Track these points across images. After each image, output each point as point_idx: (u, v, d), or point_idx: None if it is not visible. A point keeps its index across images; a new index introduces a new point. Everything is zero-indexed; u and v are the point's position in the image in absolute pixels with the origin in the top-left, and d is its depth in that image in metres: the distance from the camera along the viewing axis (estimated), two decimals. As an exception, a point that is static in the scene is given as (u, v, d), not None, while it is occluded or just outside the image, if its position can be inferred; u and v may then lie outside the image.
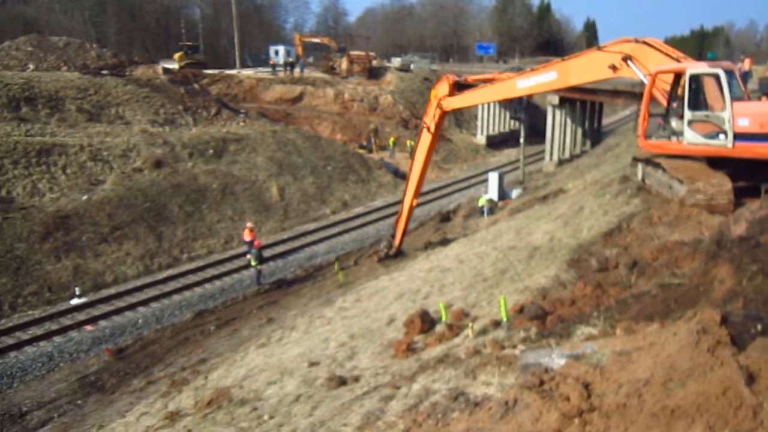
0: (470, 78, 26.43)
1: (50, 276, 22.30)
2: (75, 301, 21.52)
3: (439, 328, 9.10)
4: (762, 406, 3.08)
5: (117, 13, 73.79)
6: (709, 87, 11.24)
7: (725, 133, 10.74)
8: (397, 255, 22.84)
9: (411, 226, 24.29)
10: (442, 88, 19.60)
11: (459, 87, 20.16)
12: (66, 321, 20.14)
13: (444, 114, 19.99)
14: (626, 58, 12.81)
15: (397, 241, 23.19)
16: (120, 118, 33.96)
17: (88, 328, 19.88)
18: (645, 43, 12.84)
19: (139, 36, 76.53)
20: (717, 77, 10.89)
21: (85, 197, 26.16)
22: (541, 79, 15.59)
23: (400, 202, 23.05)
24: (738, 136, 10.58)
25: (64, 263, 22.99)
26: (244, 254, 25.52)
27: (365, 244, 28.52)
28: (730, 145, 10.70)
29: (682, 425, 3.18)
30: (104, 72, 38.92)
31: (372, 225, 31.77)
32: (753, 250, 6.21)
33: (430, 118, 20.01)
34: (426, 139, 20.47)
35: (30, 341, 18.74)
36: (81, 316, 20.49)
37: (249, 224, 26.45)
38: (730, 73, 11.00)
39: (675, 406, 3.33)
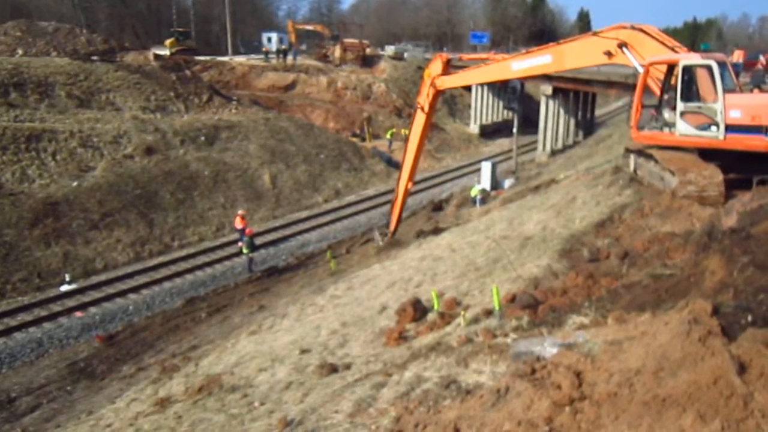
0: (465, 57, 26.50)
1: (40, 262, 22.16)
2: (65, 288, 21.41)
3: (431, 316, 9.11)
4: (752, 396, 3.10)
5: (107, -2, 73.01)
6: (702, 78, 11.25)
7: (717, 124, 10.77)
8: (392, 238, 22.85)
9: (403, 215, 24.30)
10: (436, 66, 19.50)
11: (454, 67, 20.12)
12: (56, 307, 20.03)
13: (437, 93, 19.90)
14: (622, 45, 12.79)
15: (392, 226, 23.18)
16: (111, 104, 33.67)
17: (78, 314, 19.80)
18: (641, 30, 12.82)
19: (129, 22, 75.72)
20: (710, 69, 10.91)
21: (75, 184, 25.97)
22: (535, 62, 15.55)
23: (395, 186, 23.02)
24: (729, 128, 10.62)
25: (54, 249, 22.84)
26: (235, 242, 25.48)
27: (357, 233, 28.51)
28: (721, 136, 10.74)
29: (673, 414, 3.19)
30: (94, 58, 38.53)
31: (364, 213, 31.75)
32: (744, 242, 6.25)
33: (424, 98, 19.93)
34: (420, 119, 20.41)
35: (19, 327, 18.64)
36: (71, 303, 20.38)
37: (240, 212, 26.36)
38: (722, 65, 11.01)
39: (666, 395, 3.35)
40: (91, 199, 25.60)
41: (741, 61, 21.47)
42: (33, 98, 30.83)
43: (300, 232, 28.78)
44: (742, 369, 3.34)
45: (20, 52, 38.31)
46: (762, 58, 25.55)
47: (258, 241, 25.39)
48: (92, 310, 20.20)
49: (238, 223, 25.27)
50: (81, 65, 35.20)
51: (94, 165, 27.69)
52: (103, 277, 22.63)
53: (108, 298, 20.95)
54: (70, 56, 37.82)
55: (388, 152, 43.56)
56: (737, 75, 16.46)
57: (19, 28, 41.62)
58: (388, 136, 45.78)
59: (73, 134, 28.53)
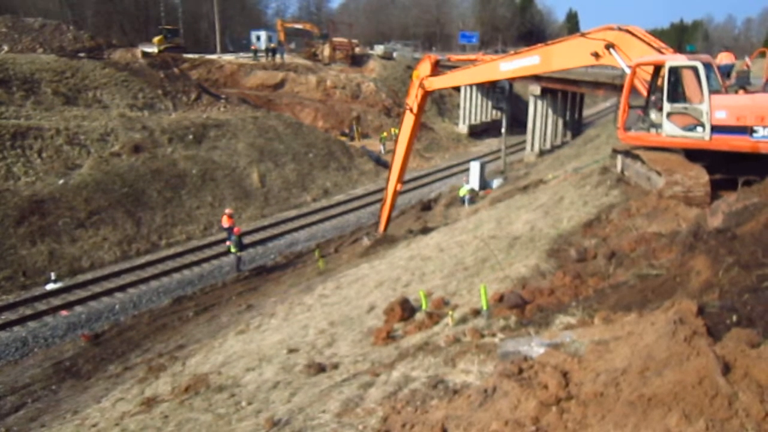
0: (453, 58, 26.59)
1: (25, 261, 21.96)
2: (50, 286, 21.23)
3: (419, 316, 9.10)
4: (737, 396, 3.12)
5: (95, -6, 72.36)
6: (688, 80, 11.33)
7: (703, 125, 10.85)
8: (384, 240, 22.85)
9: (392, 215, 24.29)
10: (424, 67, 19.53)
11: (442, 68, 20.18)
12: (41, 306, 19.88)
13: (426, 94, 19.94)
14: (609, 46, 12.87)
15: (382, 227, 23.18)
16: (98, 101, 33.43)
17: (64, 313, 19.64)
18: (628, 31, 12.91)
19: (117, 18, 75.11)
20: (695, 70, 10.98)
21: (61, 181, 25.75)
22: (524, 63, 15.64)
23: (385, 187, 23.03)
24: (715, 129, 10.70)
25: (40, 248, 22.64)
26: (223, 241, 25.40)
27: (346, 232, 28.50)
28: (707, 137, 10.81)
29: (659, 414, 3.21)
30: (81, 55, 38.21)
31: (353, 213, 31.76)
32: (729, 242, 6.29)
33: (413, 99, 19.97)
34: (409, 120, 20.45)
35: (3, 326, 18.46)
36: (56, 302, 20.23)
37: (227, 210, 26.28)
38: (708, 66, 11.10)
39: (652, 395, 3.37)
40: (78, 198, 25.40)
41: (725, 63, 21.51)
42: (18, 95, 30.53)
43: (288, 231, 28.73)
44: (726, 369, 3.36)
45: (6, 48, 37.93)
46: (747, 59, 25.73)
47: (246, 240, 25.34)
48: (78, 309, 20.06)
49: (225, 222, 25.19)
50: (67, 62, 34.90)
51: (80, 163, 27.47)
52: (89, 275, 22.47)
53: (94, 296, 20.81)
54: (56, 53, 37.51)
55: (381, 154, 43.45)
56: (727, 76, 16.60)
57: (5, 24, 41.19)
58: (379, 140, 45.56)
59: (59, 132, 28.27)
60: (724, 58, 21.62)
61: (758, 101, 10.71)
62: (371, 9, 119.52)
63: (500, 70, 16.66)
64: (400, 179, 21.98)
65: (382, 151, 44.19)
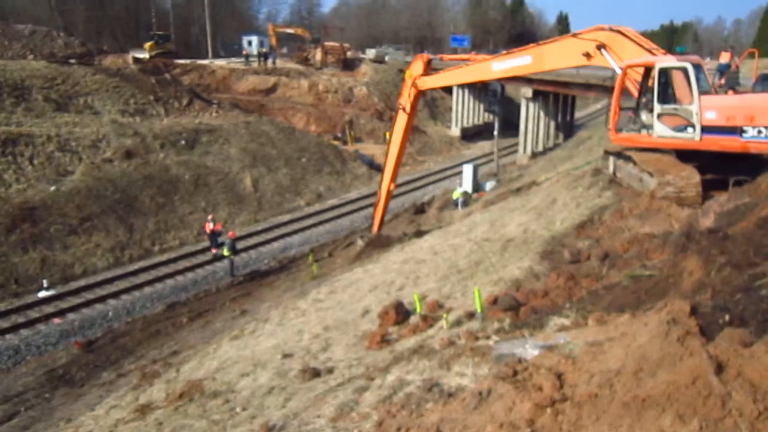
0: (446, 57, 26.67)
1: (17, 268, 21.81)
2: (43, 294, 21.10)
3: (414, 319, 9.11)
4: (730, 395, 3.13)
5: (85, 1, 71.96)
6: (678, 80, 11.39)
7: (693, 126, 10.91)
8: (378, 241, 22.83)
9: (386, 218, 24.29)
10: (417, 67, 19.58)
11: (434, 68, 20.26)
12: (33, 314, 19.74)
13: (419, 93, 19.99)
14: (600, 47, 12.93)
15: (375, 228, 23.15)
16: (89, 107, 33.29)
17: (57, 320, 19.52)
18: (619, 32, 12.97)
19: (108, 25, 74.79)
20: (685, 71, 11.04)
21: (53, 188, 25.62)
22: (516, 63, 15.69)
23: (378, 189, 23.01)
24: (705, 129, 10.75)
25: (32, 255, 22.50)
26: (209, 248, 25.18)
27: (340, 236, 28.46)
28: (697, 138, 10.87)
29: (653, 414, 3.21)
30: (72, 61, 38.09)
31: (346, 217, 31.72)
32: (721, 242, 6.32)
33: (406, 99, 20.01)
34: (402, 119, 20.48)
35: (-4, 334, 18.35)
36: (49, 309, 20.10)
37: (210, 216, 26.12)
38: (697, 67, 11.16)
39: (645, 396, 3.37)
40: (70, 204, 25.27)
41: (725, 62, 21.78)
42: (9, 102, 30.38)
43: (282, 236, 28.66)
44: (719, 369, 3.37)
45: (-4, 55, 37.75)
46: (737, 60, 25.95)
47: (240, 245, 25.25)
48: (71, 316, 19.94)
49: (209, 228, 24.88)
50: (58, 68, 34.77)
51: (72, 169, 27.35)
52: (82, 282, 22.34)
53: (87, 303, 20.69)
54: (47, 59, 37.35)
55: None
56: (723, 74, 16.64)
57: (-5, 30, 41.03)
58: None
59: (50, 138, 28.15)
60: (722, 58, 21.93)
61: (747, 101, 10.78)
62: (363, 13, 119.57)
63: (492, 70, 16.71)
64: (394, 179, 22.00)
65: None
